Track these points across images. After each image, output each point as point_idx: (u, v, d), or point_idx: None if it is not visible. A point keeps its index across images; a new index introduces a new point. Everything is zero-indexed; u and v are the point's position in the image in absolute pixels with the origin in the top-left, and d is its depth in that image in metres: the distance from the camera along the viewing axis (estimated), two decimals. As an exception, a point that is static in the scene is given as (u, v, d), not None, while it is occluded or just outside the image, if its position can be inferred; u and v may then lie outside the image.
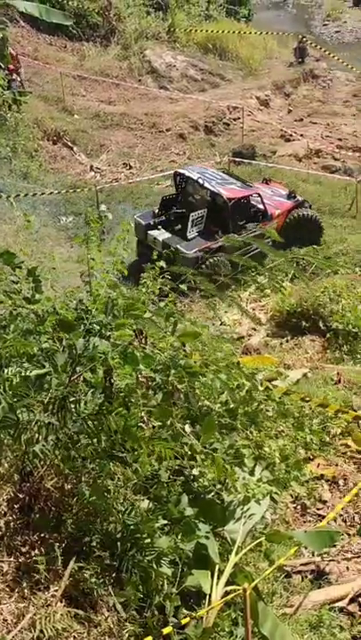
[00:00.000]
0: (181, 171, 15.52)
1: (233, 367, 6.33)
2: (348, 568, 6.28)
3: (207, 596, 4.65)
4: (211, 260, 13.12)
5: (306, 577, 6.20)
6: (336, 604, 5.83)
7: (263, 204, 14.87)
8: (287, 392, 8.12)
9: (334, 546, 6.52)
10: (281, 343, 11.60)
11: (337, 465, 7.86)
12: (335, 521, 6.94)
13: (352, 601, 5.89)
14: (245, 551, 5.15)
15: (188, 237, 13.92)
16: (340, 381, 9.92)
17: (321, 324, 11.46)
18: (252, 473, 5.48)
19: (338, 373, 10.12)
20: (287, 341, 11.62)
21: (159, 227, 14.47)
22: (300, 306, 11.93)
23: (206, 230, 14.08)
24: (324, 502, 7.31)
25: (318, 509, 7.20)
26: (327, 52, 29.48)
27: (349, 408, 8.68)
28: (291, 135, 22.88)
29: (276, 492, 5.39)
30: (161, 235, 14.19)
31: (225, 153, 20.24)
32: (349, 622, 5.67)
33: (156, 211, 14.96)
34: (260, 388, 7.34)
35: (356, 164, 21.55)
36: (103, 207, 9.42)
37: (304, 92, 27.49)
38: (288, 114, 25.70)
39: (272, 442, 6.62)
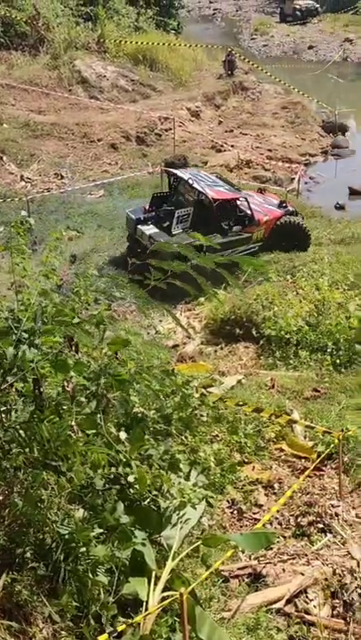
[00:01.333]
0: (174, 171, 16.08)
1: (167, 374, 6.32)
2: (284, 570, 6.34)
3: (144, 604, 4.61)
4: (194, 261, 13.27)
5: (243, 581, 6.23)
6: (273, 606, 5.87)
7: (250, 209, 15.24)
8: (222, 398, 8.18)
9: (271, 549, 6.58)
10: (215, 350, 11.68)
11: (272, 469, 7.96)
12: (271, 524, 7.01)
13: (288, 602, 5.94)
14: (182, 556, 5.14)
15: (173, 233, 14.29)
16: (273, 387, 10.08)
17: (254, 331, 11.60)
18: (187, 478, 5.48)
19: (271, 379, 10.27)
20: (221, 349, 11.71)
21: (149, 222, 14.85)
22: (233, 313, 12.05)
23: (193, 229, 14.38)
24: (260, 506, 7.38)
25: (254, 513, 7.26)
26: (255, 66, 30.07)
27: (283, 412, 8.81)
28: (222, 146, 23.17)
29: (211, 496, 5.40)
30: (149, 229, 14.58)
31: (157, 163, 20.33)
32: (286, 623, 5.72)
33: (147, 207, 15.38)
34: (196, 395, 7.37)
35: (285, 175, 22.00)
36: (24, 212, 9.22)
37: (234, 104, 27.92)
38: (219, 125, 26.04)
39: (207, 446, 6.65)
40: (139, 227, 14.78)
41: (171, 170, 16.36)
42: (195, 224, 14.53)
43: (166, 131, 23.53)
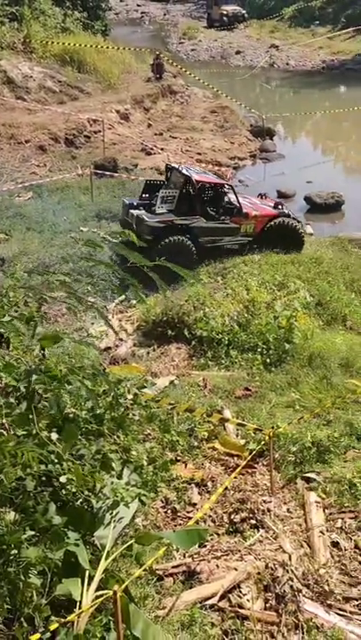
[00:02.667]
0: (170, 163, 17.29)
1: (99, 374, 6.30)
2: (217, 566, 6.40)
3: (77, 604, 4.57)
4: (172, 239, 14.37)
5: (178, 578, 6.26)
6: (207, 602, 5.92)
7: (238, 201, 15.64)
8: (154, 398, 8.20)
9: (204, 546, 6.64)
10: (148, 352, 11.70)
11: (205, 467, 8.03)
12: (205, 521, 7.08)
13: (222, 597, 6.00)
14: (116, 555, 5.12)
15: (157, 212, 14.98)
16: (205, 386, 10.17)
17: (186, 332, 11.68)
18: (120, 477, 5.48)
19: (203, 379, 10.36)
20: (154, 350, 11.74)
21: (140, 207, 15.47)
22: (165, 315, 12.09)
23: (177, 210, 15.06)
24: (194, 505, 7.43)
25: (188, 512, 7.30)
26: (184, 70, 30.30)
27: (215, 411, 8.91)
28: (152, 149, 23.24)
29: (144, 494, 5.41)
30: (137, 212, 15.19)
31: (87, 165, 20.21)
32: (220, 618, 5.77)
33: (142, 195, 16.14)
34: (129, 395, 7.37)
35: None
36: None
37: (163, 107, 28.06)
38: (148, 128, 26.11)
39: (139, 445, 6.66)
40: (130, 211, 15.41)
41: (169, 163, 17.19)
42: (180, 206, 15.09)
43: (95, 133, 23.41)
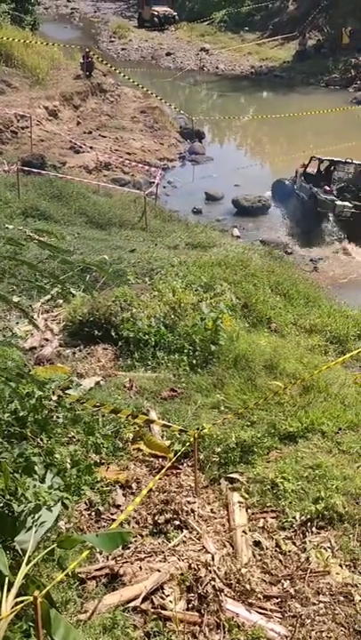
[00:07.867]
0: (318, 156, 21.15)
1: (23, 375, 6.19)
2: (141, 568, 6.39)
3: (-4, 611, 4.49)
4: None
5: (100, 581, 6.22)
6: (130, 605, 5.91)
7: None
8: (80, 400, 8.13)
9: (128, 548, 6.62)
10: (74, 353, 11.56)
11: (129, 469, 8.00)
12: (129, 523, 7.06)
13: (145, 599, 6.00)
14: (37, 560, 5.05)
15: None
16: (132, 387, 10.13)
17: (113, 333, 11.60)
18: (42, 480, 5.40)
19: (130, 380, 10.32)
20: (80, 351, 11.60)
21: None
22: (92, 315, 11.98)
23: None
24: (118, 507, 7.39)
25: (112, 514, 7.26)
26: (114, 68, 30.18)
27: (141, 413, 8.89)
28: (80, 147, 23.05)
29: (67, 497, 5.35)
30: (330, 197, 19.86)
31: (13, 162, 19.86)
32: (143, 620, 5.77)
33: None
34: (53, 397, 7.27)
35: (144, 178, 22.25)
36: None
37: (93, 106, 27.88)
38: (77, 126, 25.90)
39: (63, 448, 6.58)
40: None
41: (316, 155, 21.15)
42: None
43: (23, 129, 23.06)
